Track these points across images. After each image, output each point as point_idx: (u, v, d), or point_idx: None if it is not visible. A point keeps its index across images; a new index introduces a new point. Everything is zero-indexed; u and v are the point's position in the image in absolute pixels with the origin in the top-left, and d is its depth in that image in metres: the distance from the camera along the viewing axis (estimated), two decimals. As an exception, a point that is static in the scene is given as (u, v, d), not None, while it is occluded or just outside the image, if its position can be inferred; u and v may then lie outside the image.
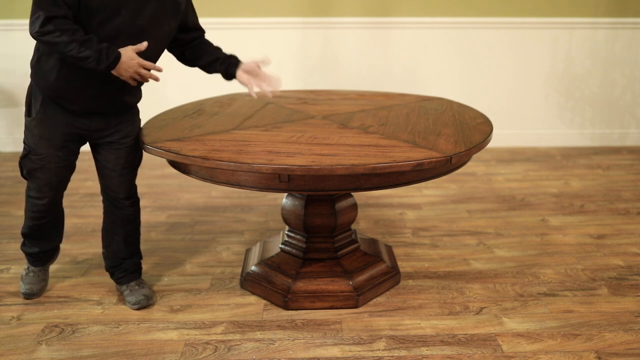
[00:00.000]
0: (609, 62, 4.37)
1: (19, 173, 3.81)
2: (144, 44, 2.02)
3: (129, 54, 1.99)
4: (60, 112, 2.13)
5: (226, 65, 2.33)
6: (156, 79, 2.08)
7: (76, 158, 2.25)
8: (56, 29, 1.90)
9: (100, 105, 2.15)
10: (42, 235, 2.38)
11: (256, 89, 2.35)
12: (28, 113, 2.16)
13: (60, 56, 2.00)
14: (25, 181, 2.36)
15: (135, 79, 2.06)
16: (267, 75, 2.34)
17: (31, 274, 2.44)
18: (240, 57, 2.36)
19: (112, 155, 2.24)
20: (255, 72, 2.32)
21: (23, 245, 2.42)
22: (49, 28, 1.90)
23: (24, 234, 2.38)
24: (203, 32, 2.37)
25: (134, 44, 2.05)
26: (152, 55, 2.14)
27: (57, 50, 1.93)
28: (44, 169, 2.18)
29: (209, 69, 2.37)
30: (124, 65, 1.99)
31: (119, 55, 1.98)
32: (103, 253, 2.42)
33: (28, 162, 2.19)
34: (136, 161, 2.31)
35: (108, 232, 2.38)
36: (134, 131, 2.27)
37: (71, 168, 2.24)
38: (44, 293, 2.46)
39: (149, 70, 2.05)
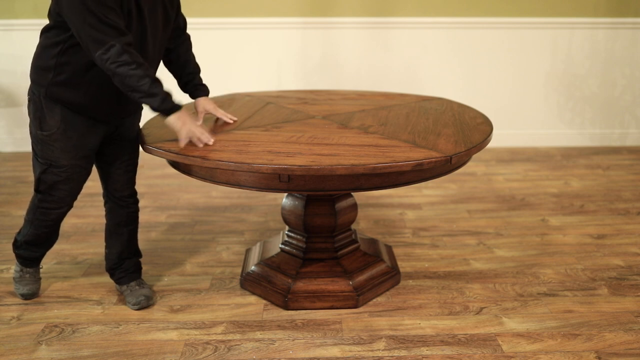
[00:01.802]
0: (609, 62, 4.37)
1: (19, 173, 3.85)
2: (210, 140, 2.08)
3: (192, 118, 2.07)
4: (83, 122, 2.11)
5: (184, 90, 2.40)
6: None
7: (94, 162, 2.26)
8: (133, 60, 1.88)
9: (125, 109, 2.18)
10: (47, 242, 2.37)
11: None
12: (40, 127, 2.09)
13: (113, 82, 1.96)
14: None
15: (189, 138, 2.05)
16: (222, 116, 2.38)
17: (27, 275, 2.41)
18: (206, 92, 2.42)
19: (118, 153, 2.25)
20: (212, 112, 2.38)
21: (19, 248, 2.38)
22: (125, 59, 1.87)
23: (26, 242, 2.34)
24: (184, 20, 2.35)
25: (156, 43, 2.09)
26: (161, 49, 2.17)
27: (126, 81, 1.90)
28: (69, 179, 2.15)
29: (175, 75, 2.41)
30: (181, 121, 2.02)
31: (179, 107, 2.02)
32: (106, 254, 2.42)
33: (50, 176, 2.14)
34: (138, 156, 2.34)
35: (112, 233, 2.38)
36: (137, 125, 2.31)
37: (90, 172, 2.24)
38: (44, 293, 2.46)
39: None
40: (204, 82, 2.41)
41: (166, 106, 1.99)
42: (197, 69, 2.40)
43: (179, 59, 2.35)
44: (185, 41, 2.36)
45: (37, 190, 2.20)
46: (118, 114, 2.17)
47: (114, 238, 2.38)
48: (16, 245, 2.38)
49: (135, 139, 2.29)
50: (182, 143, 2.05)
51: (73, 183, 2.17)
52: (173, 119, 2.03)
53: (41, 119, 2.09)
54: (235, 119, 2.38)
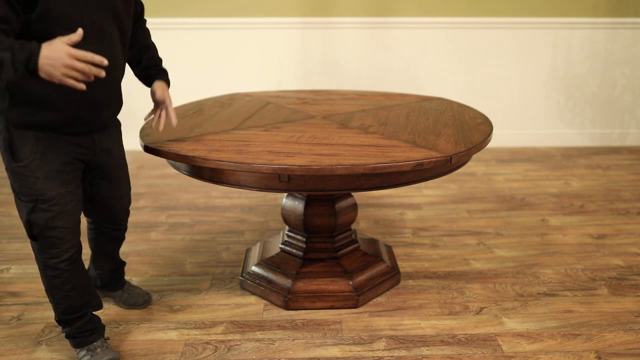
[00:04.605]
0: (609, 62, 4.37)
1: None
2: (79, 33, 1.51)
3: (54, 45, 1.47)
4: (58, 140, 1.80)
5: (144, 76, 2.11)
6: (99, 75, 1.53)
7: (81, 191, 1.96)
8: None
9: (97, 114, 1.85)
10: (77, 301, 1.95)
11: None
12: (14, 159, 1.77)
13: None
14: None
15: (75, 78, 1.51)
16: (167, 112, 2.09)
17: (98, 349, 1.99)
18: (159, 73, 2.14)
19: (102, 189, 2.03)
20: (163, 103, 2.08)
21: (67, 329, 1.99)
22: None
23: (61, 320, 1.97)
24: (141, 4, 2.07)
25: (108, 35, 1.76)
26: (123, 44, 1.89)
27: None
28: (63, 213, 1.81)
29: (134, 61, 2.10)
30: (48, 60, 1.47)
31: (36, 49, 1.47)
32: (98, 274, 2.30)
33: (40, 214, 1.79)
34: (128, 189, 2.15)
35: (99, 254, 2.24)
36: (120, 147, 2.06)
37: (81, 202, 1.94)
38: (43, 293, 2.42)
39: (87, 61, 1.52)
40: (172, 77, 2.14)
41: (20, 68, 1.46)
42: (159, 56, 2.14)
43: (138, 43, 2.08)
44: (143, 26, 2.11)
45: (31, 237, 1.84)
46: (92, 123, 1.86)
47: (102, 258, 2.26)
48: (65, 333, 2.01)
49: (122, 163, 2.07)
50: (64, 79, 1.49)
51: (68, 216, 1.83)
52: (45, 75, 1.48)
53: (12, 150, 1.77)
54: (175, 122, 2.10)
